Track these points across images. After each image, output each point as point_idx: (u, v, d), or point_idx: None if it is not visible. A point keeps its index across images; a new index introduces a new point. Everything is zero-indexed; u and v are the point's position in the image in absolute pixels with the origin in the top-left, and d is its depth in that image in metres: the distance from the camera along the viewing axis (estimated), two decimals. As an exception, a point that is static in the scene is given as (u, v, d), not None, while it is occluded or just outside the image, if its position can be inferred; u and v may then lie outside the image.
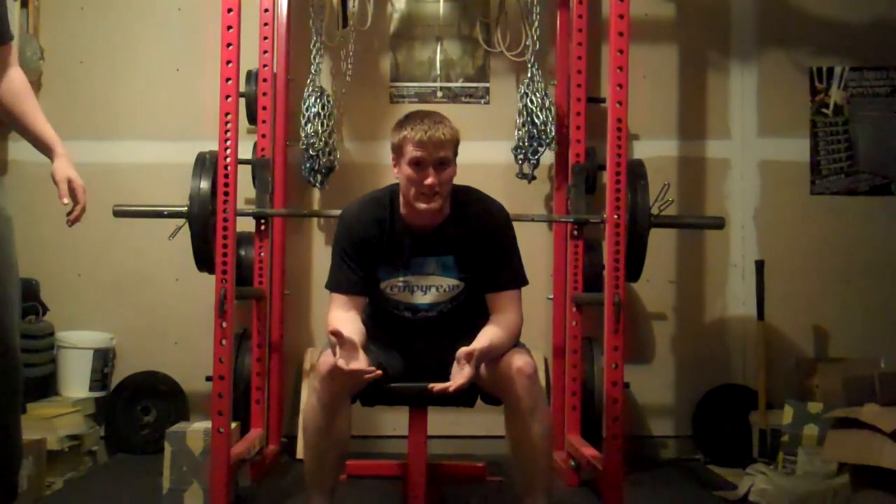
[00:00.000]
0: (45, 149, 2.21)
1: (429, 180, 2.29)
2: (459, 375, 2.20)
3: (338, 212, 2.62)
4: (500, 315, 2.37)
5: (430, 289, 2.42)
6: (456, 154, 2.39)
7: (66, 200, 2.16)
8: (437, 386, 2.20)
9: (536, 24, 3.58)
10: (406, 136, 2.32)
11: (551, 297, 3.62)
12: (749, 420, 3.56)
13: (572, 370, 3.42)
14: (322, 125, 3.52)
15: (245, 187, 3.33)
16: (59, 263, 3.73)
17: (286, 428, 3.66)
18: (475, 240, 2.40)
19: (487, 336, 2.29)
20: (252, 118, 3.56)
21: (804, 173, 3.86)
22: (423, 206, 2.32)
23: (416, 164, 2.30)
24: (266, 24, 3.36)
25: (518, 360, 2.27)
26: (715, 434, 3.68)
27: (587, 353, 3.49)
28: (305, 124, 3.52)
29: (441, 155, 2.31)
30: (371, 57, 3.82)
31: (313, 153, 3.52)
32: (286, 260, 3.65)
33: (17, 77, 2.20)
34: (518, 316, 2.39)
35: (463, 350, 2.21)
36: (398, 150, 2.36)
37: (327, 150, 3.55)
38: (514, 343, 2.36)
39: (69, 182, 2.16)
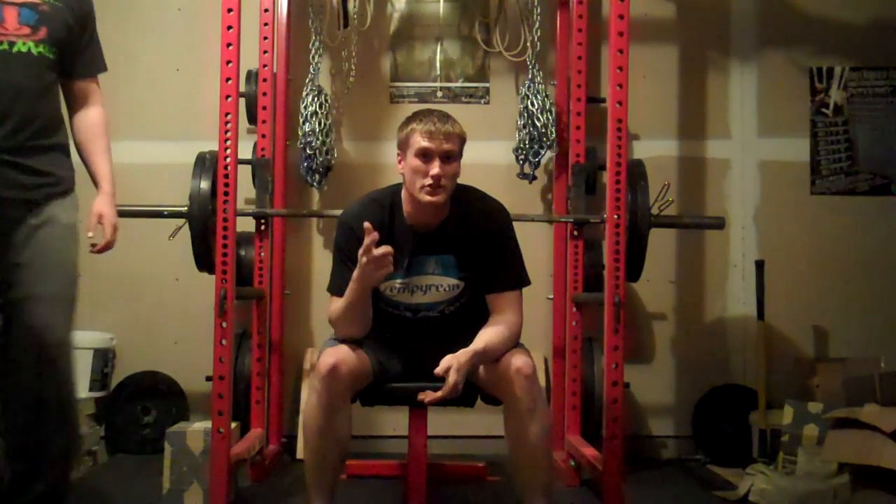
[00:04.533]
0: (95, 183, 2.43)
1: (435, 170, 2.29)
2: (445, 385, 2.21)
3: (338, 212, 2.62)
4: (499, 317, 2.37)
5: (430, 288, 2.42)
6: (461, 153, 2.40)
7: (89, 234, 2.35)
8: (429, 396, 2.23)
9: (536, 24, 3.59)
10: (414, 127, 2.33)
11: (551, 296, 3.62)
12: (749, 420, 3.56)
13: (572, 370, 3.43)
14: (320, 123, 3.51)
15: (245, 187, 3.33)
16: (59, 263, 3.72)
17: (286, 428, 3.66)
18: (475, 239, 2.40)
19: (483, 339, 2.29)
20: (252, 118, 3.56)
21: (804, 173, 3.86)
22: (427, 198, 2.32)
23: (424, 154, 2.31)
24: (266, 24, 3.36)
25: (517, 361, 2.27)
26: (715, 434, 3.68)
27: (587, 353, 3.49)
28: (303, 123, 3.52)
29: (448, 147, 2.31)
30: (371, 57, 3.82)
31: (310, 152, 3.52)
32: (286, 260, 3.65)
33: (94, 115, 2.55)
34: (517, 317, 2.38)
35: (443, 365, 2.21)
36: (405, 143, 2.36)
37: (325, 148, 3.54)
38: (513, 344, 2.35)
39: (100, 217, 2.36)
